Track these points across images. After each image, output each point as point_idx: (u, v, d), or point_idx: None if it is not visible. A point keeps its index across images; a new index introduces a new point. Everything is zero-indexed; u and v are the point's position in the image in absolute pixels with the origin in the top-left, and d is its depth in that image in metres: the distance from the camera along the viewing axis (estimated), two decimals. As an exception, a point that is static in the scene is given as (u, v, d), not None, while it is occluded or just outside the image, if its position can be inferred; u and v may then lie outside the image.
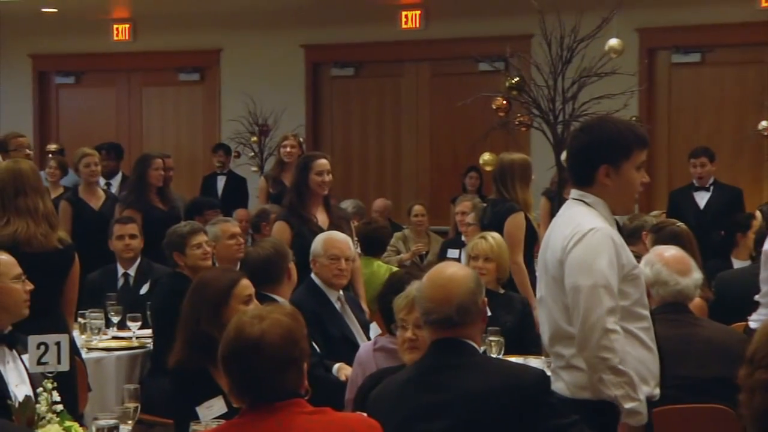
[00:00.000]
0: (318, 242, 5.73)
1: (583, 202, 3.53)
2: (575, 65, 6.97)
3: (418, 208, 10.06)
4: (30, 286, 3.99)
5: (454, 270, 3.34)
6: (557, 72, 6.87)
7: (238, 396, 2.85)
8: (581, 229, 3.42)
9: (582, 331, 3.36)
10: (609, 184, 3.52)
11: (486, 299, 3.35)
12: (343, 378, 5.04)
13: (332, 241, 5.75)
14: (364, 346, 4.79)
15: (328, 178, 6.61)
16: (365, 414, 3.30)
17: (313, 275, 5.69)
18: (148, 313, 6.15)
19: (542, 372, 3.41)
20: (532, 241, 6.78)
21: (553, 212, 8.14)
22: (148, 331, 6.08)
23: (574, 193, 3.59)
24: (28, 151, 8.26)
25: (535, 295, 6.37)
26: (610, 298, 3.37)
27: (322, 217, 6.59)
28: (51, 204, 5.09)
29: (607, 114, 4.49)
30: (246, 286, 4.21)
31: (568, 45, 6.85)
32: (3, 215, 4.95)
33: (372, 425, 2.85)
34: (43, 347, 3.56)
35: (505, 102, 7.01)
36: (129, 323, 6.13)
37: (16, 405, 3.37)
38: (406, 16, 11.92)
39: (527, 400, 3.12)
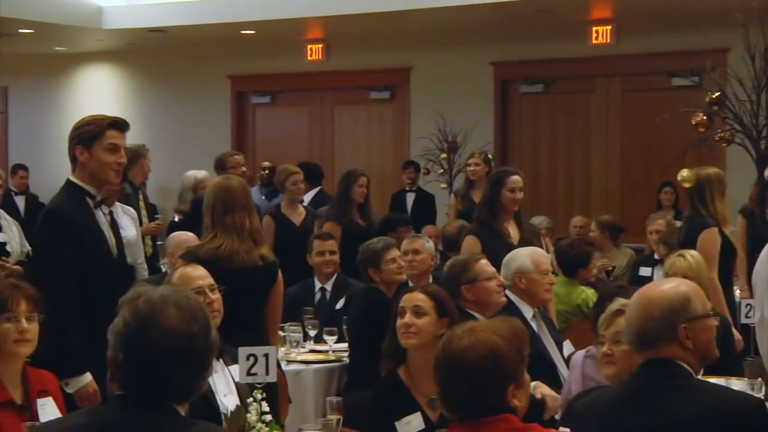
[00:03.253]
0: (525, 257, 5.61)
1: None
2: (780, 79, 6.75)
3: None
4: (211, 298, 4.05)
5: (656, 289, 3.21)
6: (761, 86, 6.64)
7: (445, 408, 2.86)
8: None
9: None
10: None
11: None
12: (538, 396, 4.98)
13: (540, 255, 5.67)
14: (579, 352, 4.74)
15: (519, 195, 6.59)
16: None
17: (507, 292, 5.63)
18: (344, 327, 6.24)
19: (760, 400, 3.26)
20: (729, 256, 6.59)
21: (750, 230, 7.87)
22: (344, 345, 6.17)
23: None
24: (243, 169, 8.55)
25: (730, 311, 6.23)
26: None
27: (513, 232, 6.55)
28: (257, 221, 5.21)
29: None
30: (401, 300, 4.27)
31: (773, 58, 6.64)
32: (211, 230, 5.09)
33: (579, 444, 2.81)
34: (252, 358, 3.65)
35: (705, 117, 6.82)
36: (326, 337, 6.24)
37: (228, 414, 3.47)
38: (597, 32, 11.76)
39: (743, 428, 2.99)
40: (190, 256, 4.94)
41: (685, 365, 3.11)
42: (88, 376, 4.42)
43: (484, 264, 5.22)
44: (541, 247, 6.56)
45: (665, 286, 3.21)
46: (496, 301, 5.17)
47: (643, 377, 3.14)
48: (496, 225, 6.51)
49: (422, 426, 4.03)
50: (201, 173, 9.34)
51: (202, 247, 5.06)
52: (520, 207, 6.66)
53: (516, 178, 6.62)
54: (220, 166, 8.57)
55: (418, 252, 6.63)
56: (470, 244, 6.48)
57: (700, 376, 4.78)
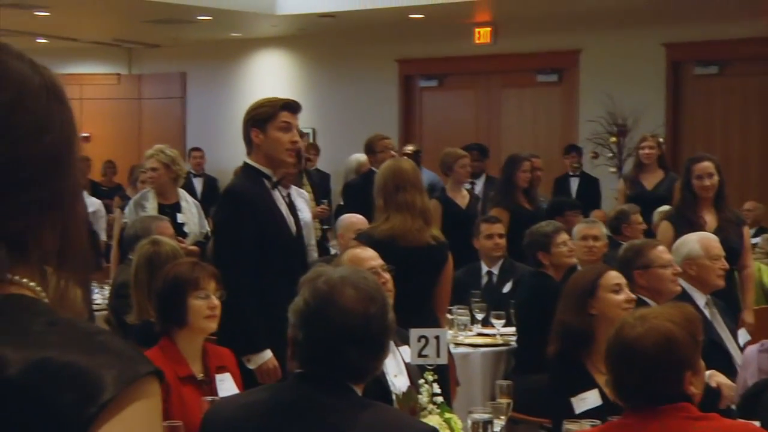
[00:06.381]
0: (693, 243, 5.51)
1: None
2: None
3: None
4: (385, 278, 4.08)
5: None
6: None
7: (618, 396, 2.83)
8: None
9: None
10: None
11: None
12: (714, 385, 4.87)
13: (710, 240, 5.54)
14: (751, 347, 4.61)
15: (708, 182, 6.40)
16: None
17: (679, 279, 5.51)
18: (512, 311, 6.22)
19: None
20: None
21: None
22: (512, 329, 6.15)
23: None
24: (392, 152, 8.64)
25: None
26: None
27: (710, 220, 6.39)
28: (428, 201, 5.25)
29: None
30: (614, 276, 4.30)
31: None
32: (384, 211, 5.15)
33: (760, 436, 2.73)
34: (423, 340, 3.67)
35: None
36: (493, 320, 6.23)
37: (400, 395, 3.50)
38: (775, 11, 11.35)
39: None
40: (365, 238, 5.00)
41: None
42: (268, 353, 4.53)
43: (661, 251, 5.13)
44: (741, 237, 6.38)
45: None
46: (669, 290, 5.07)
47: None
48: (691, 212, 6.39)
49: (599, 402, 3.99)
50: (363, 156, 9.45)
51: (377, 228, 5.12)
52: (726, 193, 6.50)
53: (703, 164, 6.45)
54: (370, 150, 8.66)
55: (597, 238, 6.57)
56: (663, 229, 6.41)
57: None
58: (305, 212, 7.25)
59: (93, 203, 10.07)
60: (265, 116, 4.72)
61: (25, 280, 1.23)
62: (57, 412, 1.12)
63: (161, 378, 1.20)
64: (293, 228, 4.81)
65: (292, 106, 4.80)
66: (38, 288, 1.24)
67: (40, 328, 1.18)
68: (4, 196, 1.21)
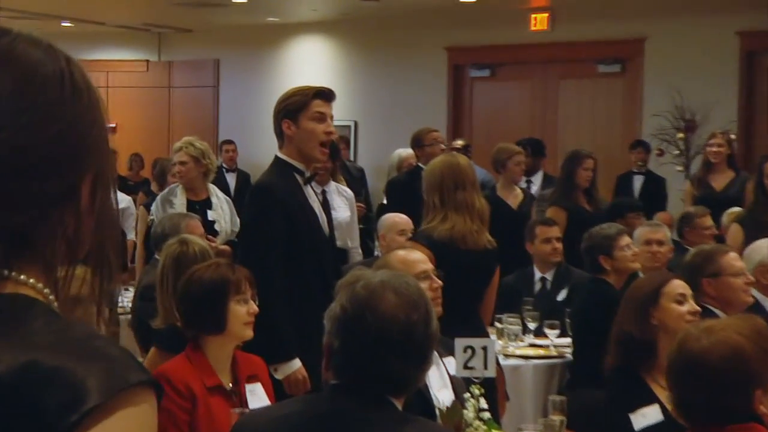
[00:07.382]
0: (764, 248, 5.49)
1: None
2: None
3: None
4: (438, 283, 4.07)
5: None
6: None
7: (681, 414, 2.81)
8: None
9: None
10: None
11: None
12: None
13: None
14: None
15: None
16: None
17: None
18: (567, 320, 6.19)
19: None
20: None
21: None
22: (567, 340, 6.12)
23: None
24: (442, 146, 8.61)
25: None
26: None
27: None
28: (485, 202, 5.23)
29: None
30: (678, 285, 4.29)
31: None
32: (441, 209, 5.12)
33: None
34: (469, 351, 3.66)
35: None
36: (547, 330, 6.20)
37: (444, 410, 3.49)
38: None
39: None
40: (424, 238, 4.98)
41: None
42: (297, 362, 4.54)
43: (732, 258, 5.09)
44: None
45: None
46: (740, 300, 5.03)
47: None
48: (764, 215, 6.36)
49: (660, 418, 3.97)
50: (406, 151, 9.44)
51: (435, 228, 5.09)
52: None
53: None
54: (417, 143, 8.64)
55: (662, 243, 6.51)
56: (733, 232, 6.43)
57: None
58: (342, 211, 7.22)
59: (123, 199, 10.12)
60: (296, 106, 4.73)
61: (32, 280, 1.24)
62: (39, 416, 1.14)
63: (158, 389, 1.21)
64: (325, 228, 4.80)
65: (326, 94, 4.79)
66: (45, 289, 1.25)
67: (34, 330, 1.19)
68: (6, 187, 1.22)
